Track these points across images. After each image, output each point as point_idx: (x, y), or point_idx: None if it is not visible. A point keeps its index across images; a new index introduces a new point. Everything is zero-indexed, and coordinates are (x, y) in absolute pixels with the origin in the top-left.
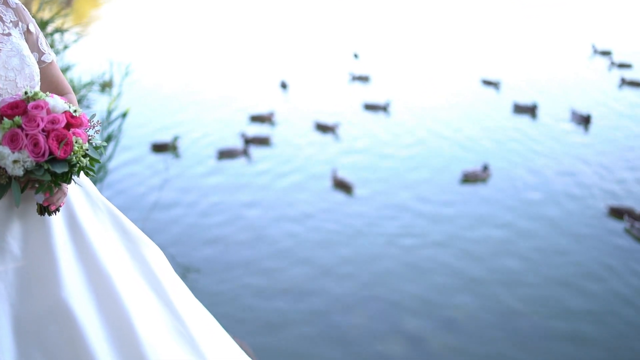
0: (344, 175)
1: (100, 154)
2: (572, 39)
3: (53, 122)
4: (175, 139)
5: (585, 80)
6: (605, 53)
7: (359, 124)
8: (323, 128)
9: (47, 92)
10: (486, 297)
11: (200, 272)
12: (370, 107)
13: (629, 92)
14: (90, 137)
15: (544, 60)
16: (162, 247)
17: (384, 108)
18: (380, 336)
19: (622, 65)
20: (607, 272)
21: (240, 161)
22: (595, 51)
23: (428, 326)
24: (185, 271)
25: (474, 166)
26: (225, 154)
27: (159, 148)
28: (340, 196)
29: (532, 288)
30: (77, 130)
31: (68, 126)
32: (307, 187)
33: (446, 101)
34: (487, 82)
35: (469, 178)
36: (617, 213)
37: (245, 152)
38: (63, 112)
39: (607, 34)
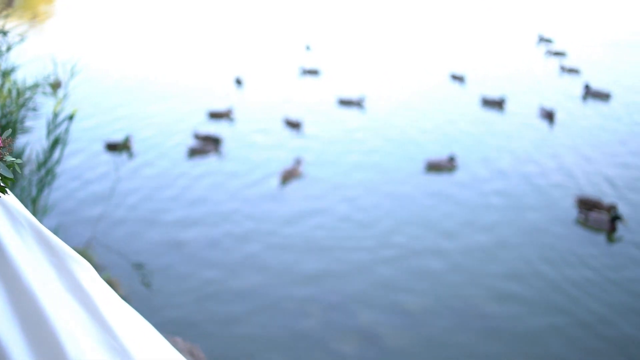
0: (306, 165)
1: (15, 172)
2: (519, 28)
3: None
4: (127, 138)
5: (532, 70)
6: (547, 40)
7: (324, 118)
8: (291, 124)
9: None
10: (439, 284)
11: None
12: (344, 103)
13: (569, 79)
14: (1, 155)
15: (497, 51)
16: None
17: (358, 103)
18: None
19: (558, 54)
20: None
21: (198, 162)
22: (541, 39)
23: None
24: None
25: (440, 156)
26: (197, 152)
27: (113, 147)
28: (303, 186)
29: (469, 275)
30: None
31: None
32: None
33: (414, 95)
34: (455, 77)
35: (433, 167)
36: (585, 204)
37: (216, 149)
38: None
39: (550, 23)
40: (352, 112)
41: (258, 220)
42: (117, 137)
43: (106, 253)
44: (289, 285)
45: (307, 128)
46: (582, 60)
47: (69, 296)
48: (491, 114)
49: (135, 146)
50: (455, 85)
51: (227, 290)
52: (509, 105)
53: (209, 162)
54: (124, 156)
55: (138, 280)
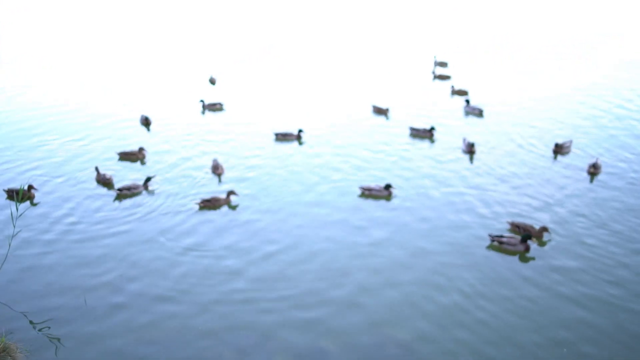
0: (239, 199)
1: None
2: (419, 53)
3: None
4: (28, 186)
5: (430, 93)
6: (442, 64)
7: (261, 152)
8: (215, 168)
9: None
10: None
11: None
12: (282, 137)
13: (458, 99)
14: None
15: (401, 77)
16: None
17: (297, 137)
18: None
19: (443, 77)
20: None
21: (111, 206)
22: (437, 63)
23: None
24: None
25: (376, 184)
26: (126, 191)
27: (13, 195)
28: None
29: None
30: None
31: None
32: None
33: (338, 128)
34: (379, 110)
35: (366, 193)
36: (517, 229)
37: (146, 187)
38: None
39: (444, 46)
40: (289, 145)
41: (167, 266)
42: (17, 185)
43: (8, 314)
44: (197, 338)
45: (241, 164)
46: (469, 80)
47: None
48: (419, 144)
49: (36, 194)
50: (381, 118)
51: (136, 341)
52: (421, 133)
53: (122, 206)
54: (25, 205)
55: (40, 342)
